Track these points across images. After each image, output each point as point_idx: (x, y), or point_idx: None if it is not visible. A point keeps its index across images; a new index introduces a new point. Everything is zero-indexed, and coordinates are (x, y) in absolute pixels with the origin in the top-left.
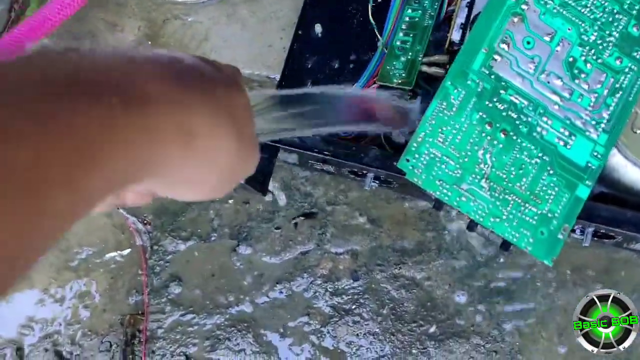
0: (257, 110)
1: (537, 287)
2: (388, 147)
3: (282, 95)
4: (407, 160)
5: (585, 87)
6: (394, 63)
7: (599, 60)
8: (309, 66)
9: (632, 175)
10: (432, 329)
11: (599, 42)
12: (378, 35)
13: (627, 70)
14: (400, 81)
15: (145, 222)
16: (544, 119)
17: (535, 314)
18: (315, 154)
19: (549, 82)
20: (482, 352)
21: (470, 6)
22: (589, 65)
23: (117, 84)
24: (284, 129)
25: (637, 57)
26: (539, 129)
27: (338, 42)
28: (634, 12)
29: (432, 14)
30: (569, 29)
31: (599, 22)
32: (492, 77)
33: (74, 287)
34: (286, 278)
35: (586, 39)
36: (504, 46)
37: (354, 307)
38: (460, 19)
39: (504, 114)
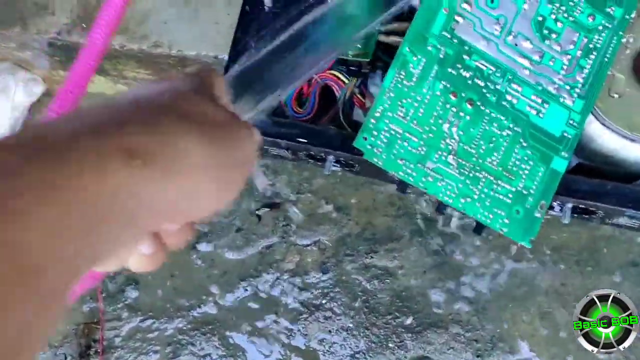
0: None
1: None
2: (348, 127)
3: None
4: (365, 139)
5: (557, 48)
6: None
7: (571, 18)
8: (259, 41)
9: (611, 143)
10: (409, 321)
11: None
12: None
13: (600, 28)
14: (356, 53)
15: None
16: (514, 85)
17: (515, 297)
18: (266, 138)
19: (516, 45)
20: (462, 342)
21: None
22: (559, 24)
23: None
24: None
25: (611, 12)
26: (508, 97)
27: (289, 14)
28: None
29: None
30: None
31: None
32: (455, 41)
33: None
34: (251, 275)
35: None
36: (466, 6)
37: (324, 301)
38: None
39: (470, 81)
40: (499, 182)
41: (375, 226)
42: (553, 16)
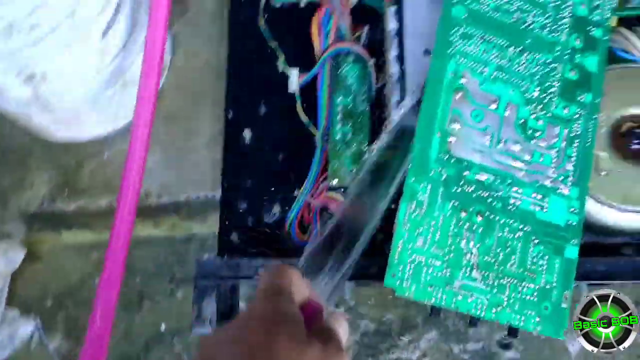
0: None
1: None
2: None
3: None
4: (393, 276)
5: (543, 144)
6: (341, 159)
7: (548, 115)
8: (247, 178)
9: (610, 217)
10: None
11: (542, 96)
12: (313, 132)
13: (576, 116)
14: (352, 179)
15: None
16: (514, 188)
17: None
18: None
19: (508, 150)
20: None
21: (402, 80)
22: (540, 122)
23: None
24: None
25: (582, 100)
26: (512, 201)
27: (271, 146)
28: (566, 56)
29: (364, 96)
30: (511, 91)
31: (537, 76)
32: (453, 160)
33: None
34: None
35: (529, 96)
36: (455, 125)
37: None
38: (395, 96)
39: (474, 195)
40: (523, 283)
41: (390, 318)
42: (533, 116)
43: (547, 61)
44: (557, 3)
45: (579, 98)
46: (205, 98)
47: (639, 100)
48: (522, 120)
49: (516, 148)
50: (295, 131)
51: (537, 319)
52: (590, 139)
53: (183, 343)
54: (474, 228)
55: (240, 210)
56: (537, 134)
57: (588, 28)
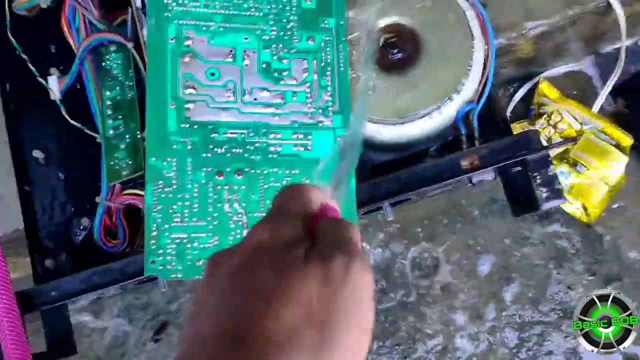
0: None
1: None
2: None
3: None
4: (153, 262)
5: (294, 82)
6: (116, 155)
7: (292, 50)
8: (46, 200)
9: (387, 133)
10: None
11: (281, 34)
12: (92, 134)
13: (323, 44)
14: (129, 171)
15: None
16: (271, 135)
17: None
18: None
19: (256, 99)
20: None
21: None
22: (285, 60)
23: None
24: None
25: (325, 25)
26: (272, 149)
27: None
28: None
29: (130, 83)
30: (245, 39)
31: (271, 15)
32: (195, 127)
33: None
34: None
35: (268, 37)
36: (190, 91)
37: None
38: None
39: (229, 155)
40: None
41: None
42: (275, 57)
43: None
44: None
45: (322, 25)
46: None
47: (385, 12)
48: (265, 65)
49: (265, 94)
50: (78, 139)
51: None
52: (342, 63)
53: None
54: (235, 188)
55: (47, 234)
56: (285, 73)
57: None
